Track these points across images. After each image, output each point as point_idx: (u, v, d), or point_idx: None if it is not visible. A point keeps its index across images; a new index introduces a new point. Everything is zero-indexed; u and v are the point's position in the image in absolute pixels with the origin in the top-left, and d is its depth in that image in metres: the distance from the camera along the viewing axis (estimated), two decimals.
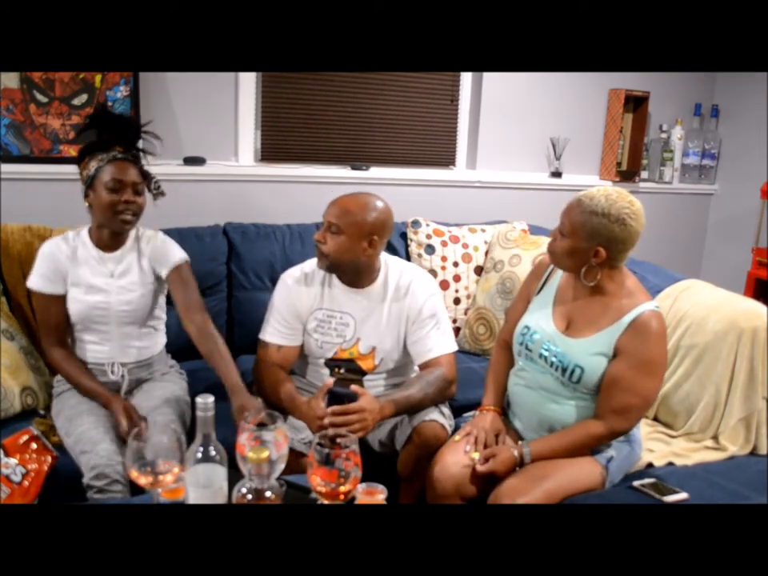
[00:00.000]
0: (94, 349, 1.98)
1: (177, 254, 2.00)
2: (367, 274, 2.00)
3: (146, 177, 1.95)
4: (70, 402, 1.92)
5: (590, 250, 1.68)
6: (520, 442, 1.79)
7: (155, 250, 2.00)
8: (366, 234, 1.90)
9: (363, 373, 2.04)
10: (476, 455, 1.76)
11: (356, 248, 1.90)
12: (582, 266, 1.72)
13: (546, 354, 1.79)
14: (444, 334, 2.02)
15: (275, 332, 2.01)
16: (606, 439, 1.75)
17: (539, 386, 1.82)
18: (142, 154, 2.01)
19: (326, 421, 1.74)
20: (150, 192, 1.97)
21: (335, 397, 1.82)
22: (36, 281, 1.95)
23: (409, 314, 2.01)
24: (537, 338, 1.81)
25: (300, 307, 2.01)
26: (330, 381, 1.86)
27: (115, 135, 1.94)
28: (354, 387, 1.82)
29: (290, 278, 2.05)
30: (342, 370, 2.03)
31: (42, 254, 1.96)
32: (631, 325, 1.70)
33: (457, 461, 1.77)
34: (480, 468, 1.72)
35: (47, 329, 1.97)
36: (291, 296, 2.02)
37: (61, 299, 1.95)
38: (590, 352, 1.73)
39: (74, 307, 1.95)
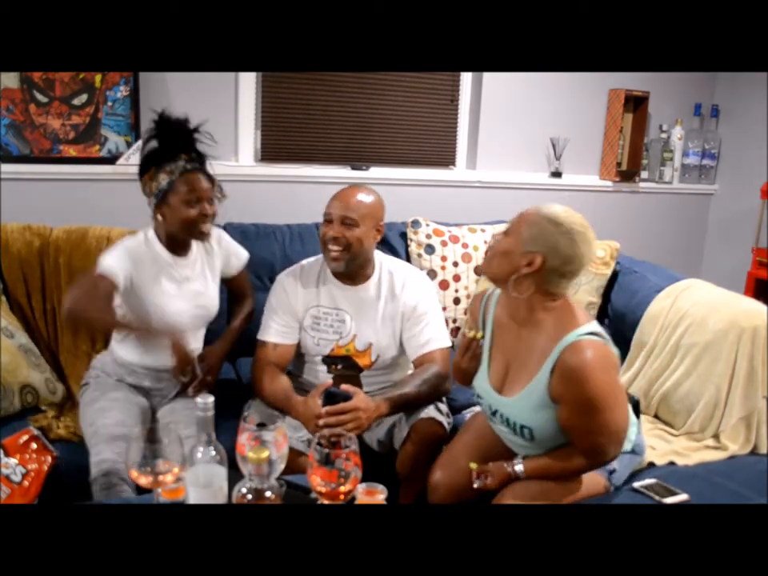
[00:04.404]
0: (156, 355, 1.88)
1: (243, 256, 2.13)
2: (365, 269, 2.03)
3: (213, 182, 1.89)
4: (110, 395, 1.86)
5: (526, 255, 1.55)
6: (514, 460, 1.70)
7: (225, 252, 2.05)
8: (376, 221, 1.97)
9: (360, 369, 2.05)
10: (473, 465, 1.74)
11: (370, 236, 1.96)
12: (512, 272, 1.57)
13: (497, 415, 1.71)
14: (438, 329, 2.03)
15: (272, 330, 2.02)
16: (594, 469, 1.67)
17: (507, 440, 1.76)
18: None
19: (321, 421, 1.74)
20: (216, 197, 1.91)
21: (331, 397, 1.82)
22: (109, 265, 1.79)
23: (404, 311, 2.02)
24: (482, 402, 1.75)
25: (296, 305, 2.02)
26: (329, 381, 1.87)
27: (178, 143, 1.87)
28: (345, 386, 1.82)
29: (285, 276, 2.07)
30: (339, 367, 2.04)
31: (124, 246, 1.86)
32: (554, 371, 1.55)
33: (457, 468, 1.77)
34: (475, 486, 1.70)
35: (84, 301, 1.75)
36: (288, 293, 2.03)
37: (112, 284, 1.77)
38: (530, 408, 1.61)
39: (148, 315, 1.85)
